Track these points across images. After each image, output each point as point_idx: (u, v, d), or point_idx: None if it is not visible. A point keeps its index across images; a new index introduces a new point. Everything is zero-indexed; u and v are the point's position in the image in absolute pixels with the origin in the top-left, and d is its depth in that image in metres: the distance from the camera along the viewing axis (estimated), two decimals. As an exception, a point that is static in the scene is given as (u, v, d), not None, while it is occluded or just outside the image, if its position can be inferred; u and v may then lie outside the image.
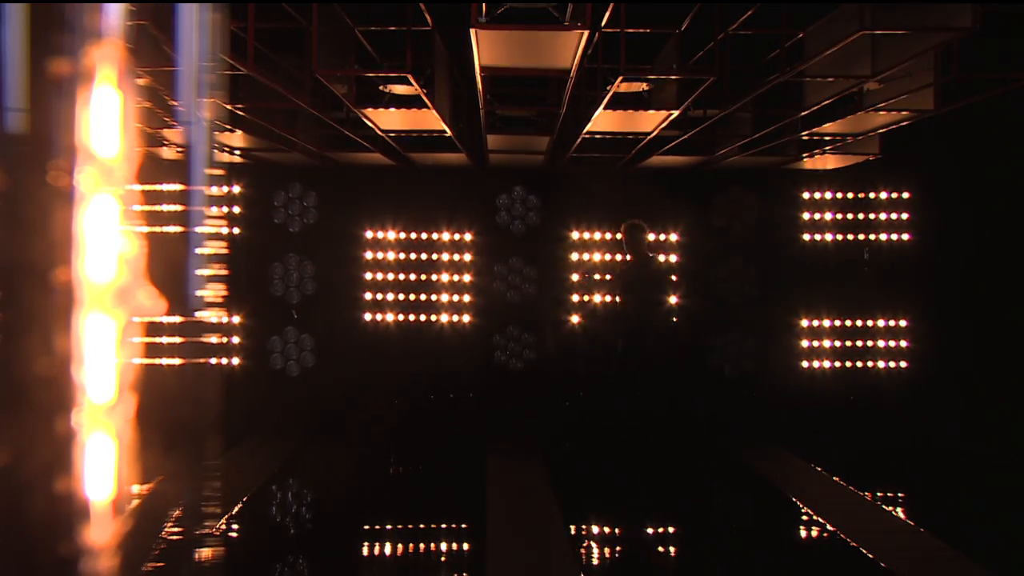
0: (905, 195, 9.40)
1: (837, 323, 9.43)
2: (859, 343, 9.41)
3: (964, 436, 8.70)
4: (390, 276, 9.42)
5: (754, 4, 5.90)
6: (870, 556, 5.42)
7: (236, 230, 9.26)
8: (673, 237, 9.42)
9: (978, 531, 6.11)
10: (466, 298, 9.44)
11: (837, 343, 9.42)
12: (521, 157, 8.98)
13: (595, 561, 5.67)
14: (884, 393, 9.32)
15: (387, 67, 6.97)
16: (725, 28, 6.31)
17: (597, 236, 9.45)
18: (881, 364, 9.37)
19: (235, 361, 9.21)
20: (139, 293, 1.53)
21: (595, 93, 6.86)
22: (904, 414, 9.15)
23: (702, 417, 9.07)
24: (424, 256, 9.43)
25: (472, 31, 4.74)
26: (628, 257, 8.50)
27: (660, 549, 6.19)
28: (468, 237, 9.43)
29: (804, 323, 9.42)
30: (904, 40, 5.41)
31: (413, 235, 9.43)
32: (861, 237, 9.45)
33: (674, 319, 9.01)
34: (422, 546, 5.92)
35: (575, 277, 9.06)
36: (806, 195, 9.47)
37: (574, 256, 9.45)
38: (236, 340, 9.23)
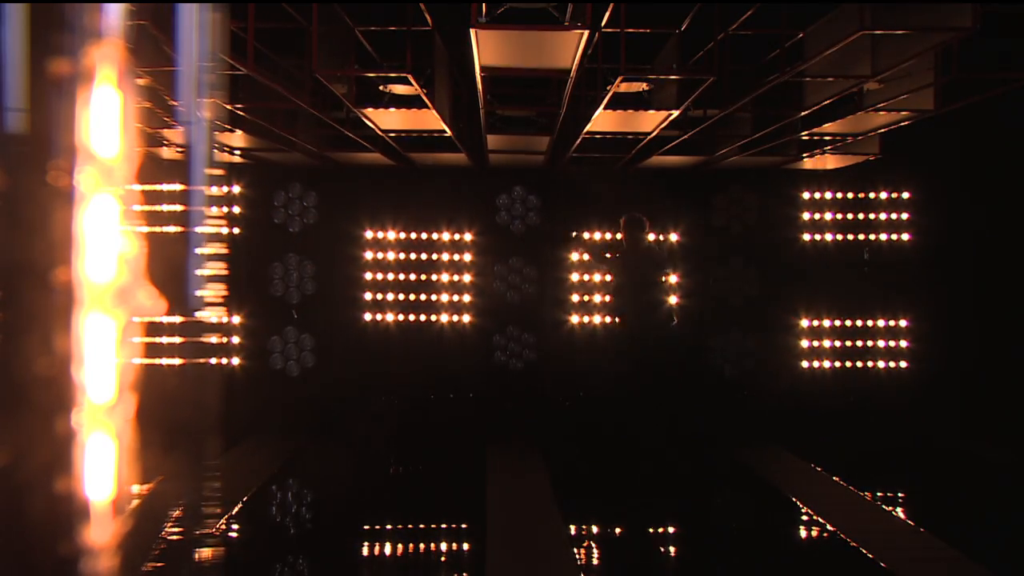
0: (905, 195, 9.40)
1: (837, 323, 9.43)
2: (859, 343, 9.41)
3: (964, 436, 8.70)
4: (390, 276, 9.42)
5: (754, 4, 5.90)
6: (870, 556, 5.42)
7: (236, 230, 9.26)
8: (673, 237, 9.42)
9: (978, 531, 6.11)
10: (466, 298, 9.44)
11: (837, 343, 9.42)
12: (521, 157, 8.98)
13: (595, 561, 5.67)
14: (884, 393, 9.32)
15: (387, 67, 6.97)
16: (725, 28, 6.32)
17: (597, 236, 9.45)
18: (881, 364, 9.37)
19: (235, 361, 9.21)
20: (139, 293, 1.53)
21: (595, 93, 6.86)
22: (904, 414, 9.16)
23: (702, 417, 9.07)
24: (424, 256, 9.44)
25: (472, 31, 4.74)
26: (626, 251, 8.50)
27: (660, 549, 6.19)
28: (468, 237, 9.43)
29: (804, 323, 9.42)
30: (904, 40, 5.41)
31: (413, 235, 9.43)
32: (861, 237, 9.45)
33: (674, 320, 9.01)
34: (422, 546, 5.92)
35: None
36: (806, 195, 9.47)
37: (574, 256, 9.45)
38: (236, 340, 9.23)
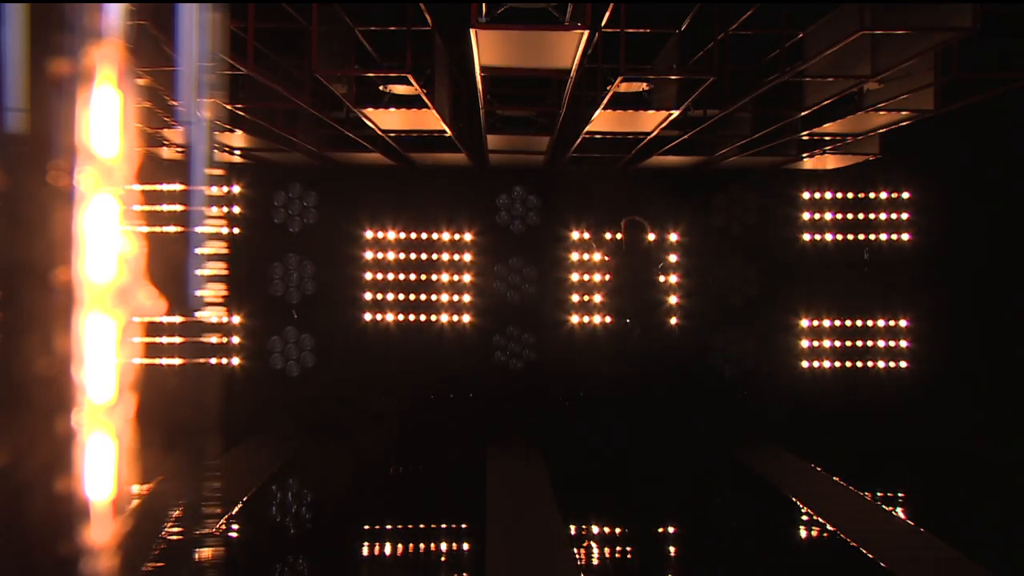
0: (905, 195, 9.40)
1: (837, 323, 9.43)
2: (859, 343, 9.41)
3: (964, 436, 8.70)
4: (390, 276, 9.42)
5: (754, 4, 5.90)
6: (870, 556, 5.42)
7: (236, 230, 9.26)
8: (673, 237, 9.41)
9: (978, 531, 6.11)
10: (466, 298, 9.44)
11: (837, 343, 9.42)
12: (521, 157, 8.98)
13: (595, 561, 5.67)
14: (884, 393, 9.31)
15: (387, 67, 6.97)
16: (725, 28, 6.31)
17: (597, 236, 9.45)
18: (881, 364, 9.37)
19: (235, 361, 9.21)
20: (139, 293, 1.53)
21: (595, 93, 6.86)
22: (904, 414, 9.15)
23: (702, 417, 9.07)
24: (424, 256, 9.44)
25: (472, 31, 4.74)
26: (625, 252, 8.50)
27: (660, 549, 6.19)
28: (468, 237, 9.43)
29: (804, 323, 9.42)
30: (904, 40, 5.41)
31: (413, 235, 9.43)
32: (861, 237, 9.45)
33: (673, 320, 9.03)
34: (422, 546, 5.92)
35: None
36: (806, 195, 9.47)
37: (574, 256, 9.45)
38: (236, 340, 9.23)
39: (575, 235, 9.45)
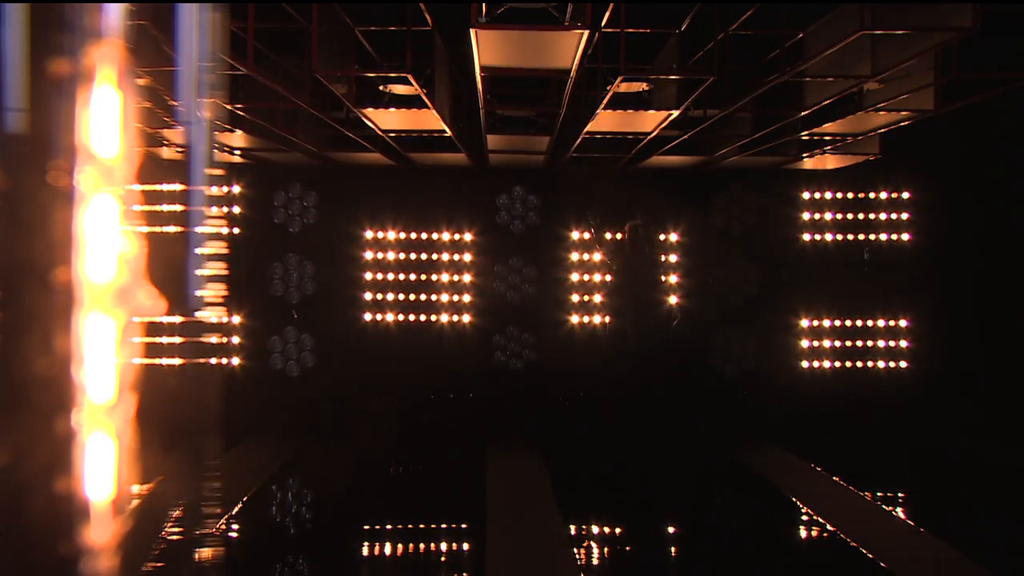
0: (905, 195, 9.40)
1: (837, 323, 9.43)
2: (859, 343, 9.41)
3: (964, 436, 8.70)
4: (390, 276, 9.42)
5: (754, 4, 5.90)
6: (870, 556, 5.42)
7: (236, 230, 9.26)
8: (673, 237, 9.41)
9: (978, 531, 6.11)
10: (466, 298, 9.44)
11: (837, 343, 9.42)
12: (521, 157, 8.98)
13: (595, 561, 5.67)
14: (884, 393, 9.31)
15: (387, 67, 6.96)
16: (725, 28, 6.31)
17: (598, 235, 9.45)
18: (881, 364, 9.37)
19: (235, 361, 9.21)
20: (139, 293, 1.53)
21: (595, 93, 6.86)
22: (904, 414, 9.15)
23: (702, 416, 9.07)
24: (424, 256, 9.44)
25: (472, 31, 4.74)
26: (628, 253, 8.50)
27: (660, 549, 6.19)
28: (468, 237, 9.43)
29: (804, 323, 9.42)
30: (904, 40, 5.41)
31: (413, 235, 9.43)
32: (861, 237, 9.45)
33: (674, 321, 9.03)
34: (422, 546, 5.92)
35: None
36: (806, 195, 9.47)
37: (574, 256, 9.45)
38: (236, 340, 9.23)
39: (575, 235, 9.45)
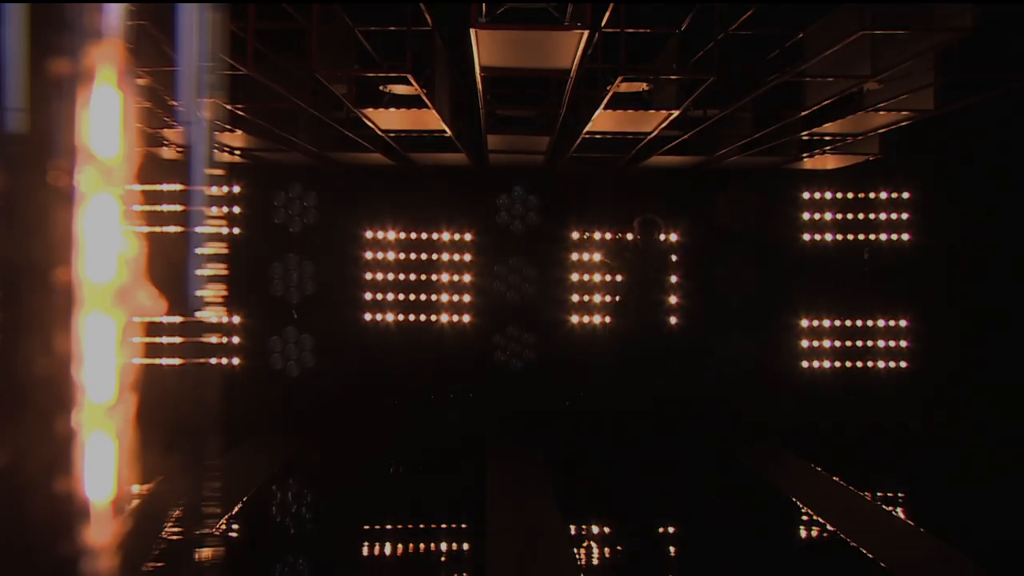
0: (905, 195, 9.40)
1: (837, 323, 9.43)
2: (859, 343, 9.41)
3: (964, 436, 8.70)
4: (390, 276, 9.42)
5: (754, 4, 5.90)
6: (870, 556, 5.42)
7: (236, 230, 9.26)
8: (673, 237, 9.41)
9: (978, 531, 6.11)
10: (466, 298, 9.44)
11: (837, 343, 9.42)
12: (521, 157, 8.98)
13: (595, 561, 5.67)
14: (884, 393, 9.31)
15: (387, 67, 6.97)
16: (725, 28, 6.31)
17: (597, 236, 9.45)
18: (881, 364, 9.37)
19: (235, 361, 9.21)
20: (139, 293, 1.53)
21: (595, 93, 6.86)
22: (904, 414, 9.15)
23: (701, 416, 9.06)
24: (424, 256, 9.44)
25: (472, 31, 4.74)
26: (639, 251, 8.50)
27: (660, 549, 6.19)
28: (468, 237, 9.43)
29: (804, 323, 9.41)
30: (904, 40, 5.41)
31: (413, 235, 9.43)
32: (861, 237, 9.45)
33: (672, 320, 9.04)
34: (422, 546, 5.92)
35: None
36: (806, 195, 9.47)
37: (574, 256, 9.45)
38: (236, 340, 9.23)
39: (575, 235, 9.45)
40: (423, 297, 9.43)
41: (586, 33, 4.69)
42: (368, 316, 9.38)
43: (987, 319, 9.03)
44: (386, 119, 7.10)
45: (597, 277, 9.43)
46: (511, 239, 9.48)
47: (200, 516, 2.04)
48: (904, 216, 9.40)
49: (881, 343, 9.38)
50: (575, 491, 7.06)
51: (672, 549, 6.24)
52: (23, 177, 1.37)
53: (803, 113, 6.98)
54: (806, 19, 6.08)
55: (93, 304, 1.41)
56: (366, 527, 6.25)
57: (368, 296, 9.38)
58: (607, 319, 9.36)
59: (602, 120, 6.92)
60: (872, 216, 9.44)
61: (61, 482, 1.39)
